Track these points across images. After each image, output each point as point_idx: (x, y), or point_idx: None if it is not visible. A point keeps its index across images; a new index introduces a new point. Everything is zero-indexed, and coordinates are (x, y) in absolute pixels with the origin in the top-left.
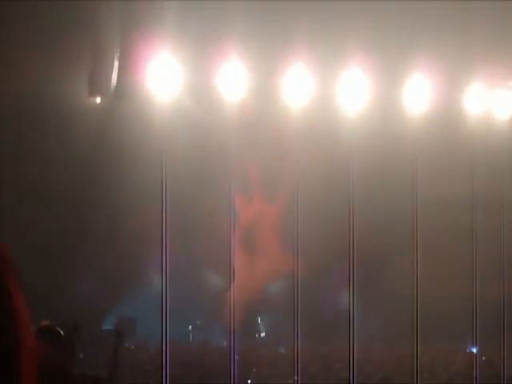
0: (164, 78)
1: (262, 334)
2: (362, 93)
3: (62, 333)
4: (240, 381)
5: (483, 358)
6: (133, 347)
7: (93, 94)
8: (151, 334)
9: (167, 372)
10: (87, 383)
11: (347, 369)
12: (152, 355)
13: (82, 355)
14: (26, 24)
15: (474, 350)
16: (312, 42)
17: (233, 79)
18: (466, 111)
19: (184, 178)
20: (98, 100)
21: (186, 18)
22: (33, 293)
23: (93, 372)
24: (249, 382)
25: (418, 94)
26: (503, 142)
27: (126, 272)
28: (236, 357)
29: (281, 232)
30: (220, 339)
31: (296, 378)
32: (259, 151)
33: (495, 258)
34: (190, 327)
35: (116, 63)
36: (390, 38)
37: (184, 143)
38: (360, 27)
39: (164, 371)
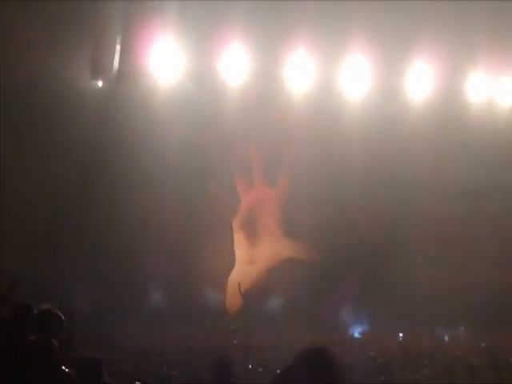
0: (166, 62)
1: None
2: (364, 79)
3: (62, 316)
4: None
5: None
6: None
7: (95, 77)
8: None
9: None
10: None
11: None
12: None
13: None
14: (28, 9)
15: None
16: (314, 27)
17: (235, 63)
18: (469, 98)
19: (186, 160)
20: (100, 83)
21: (189, 3)
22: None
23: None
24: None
25: (420, 80)
26: (506, 130)
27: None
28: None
29: (282, 216)
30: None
31: None
32: (261, 135)
33: (496, 243)
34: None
35: (118, 47)
36: (392, 25)
37: (186, 127)
38: (362, 14)
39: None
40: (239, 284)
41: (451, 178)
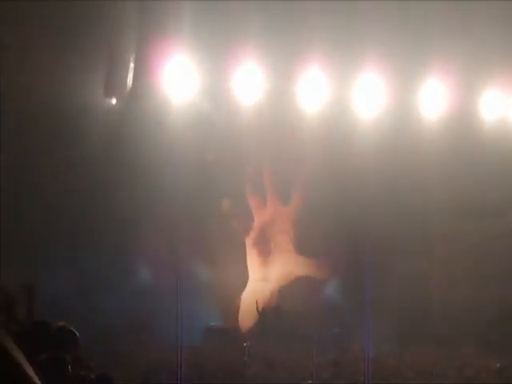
0: (180, 81)
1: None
2: (378, 97)
3: (77, 333)
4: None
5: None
6: None
7: (108, 95)
8: None
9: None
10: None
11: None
12: None
13: None
14: (43, 25)
15: None
16: (328, 46)
17: (248, 82)
18: (482, 116)
19: (199, 179)
20: (114, 101)
21: (203, 21)
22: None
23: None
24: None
25: (434, 98)
26: None
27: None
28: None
29: (295, 233)
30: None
31: (310, 382)
32: (274, 153)
33: (508, 261)
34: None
35: (132, 65)
36: (405, 43)
37: (199, 145)
38: (376, 32)
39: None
40: (257, 302)
41: (464, 196)
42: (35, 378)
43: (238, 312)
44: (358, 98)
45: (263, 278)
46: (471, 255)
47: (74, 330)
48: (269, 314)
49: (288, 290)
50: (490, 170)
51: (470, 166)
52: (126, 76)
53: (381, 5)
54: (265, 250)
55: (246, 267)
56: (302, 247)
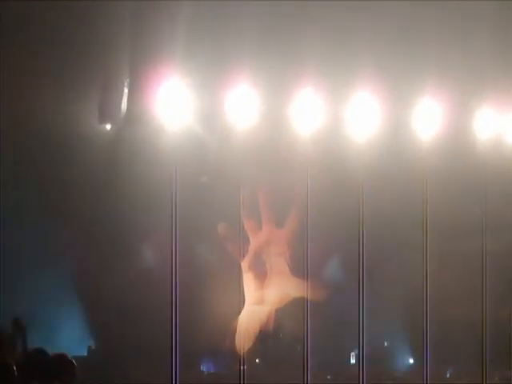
0: (174, 105)
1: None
2: (373, 118)
3: (74, 363)
4: None
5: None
6: None
7: (103, 120)
8: None
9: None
10: None
11: None
12: None
13: None
14: (36, 50)
15: None
16: (322, 66)
17: (243, 105)
18: (477, 136)
19: (194, 203)
20: (108, 127)
21: (196, 44)
22: None
23: None
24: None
25: (429, 118)
26: None
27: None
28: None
29: (291, 255)
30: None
31: None
32: (269, 176)
33: (506, 282)
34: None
35: (126, 90)
36: (400, 62)
37: (194, 169)
38: (370, 52)
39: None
40: (256, 325)
41: (459, 215)
42: None
43: (234, 336)
44: (353, 117)
45: (259, 300)
46: (470, 275)
47: (72, 361)
48: (266, 337)
49: (285, 313)
50: (484, 190)
51: (465, 185)
52: (120, 101)
53: (375, 22)
54: (260, 272)
55: (242, 290)
56: (298, 269)
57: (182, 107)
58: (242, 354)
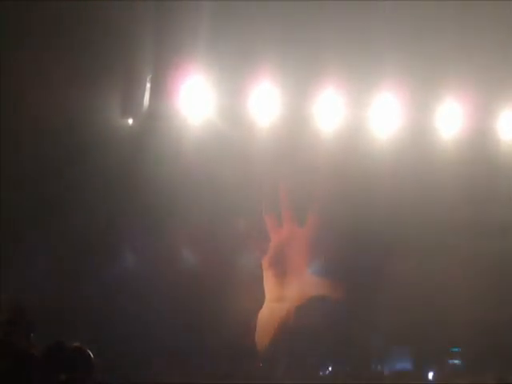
0: (197, 101)
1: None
2: (394, 117)
3: (91, 355)
4: None
5: None
6: None
7: (125, 115)
8: None
9: None
10: None
11: None
12: None
13: None
14: (58, 45)
15: None
16: (345, 66)
17: (265, 102)
18: (500, 137)
19: (215, 200)
20: (130, 121)
21: (220, 40)
22: None
23: None
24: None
25: (451, 119)
26: None
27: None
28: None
29: (312, 254)
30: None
31: None
32: (290, 173)
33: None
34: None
35: (148, 85)
36: (422, 63)
37: (215, 165)
38: (393, 53)
39: None
40: (276, 322)
41: (483, 216)
42: None
43: (254, 333)
44: (375, 118)
45: (279, 298)
46: (487, 276)
47: (88, 352)
48: (284, 334)
49: (304, 311)
50: (507, 192)
51: (487, 187)
52: (143, 96)
53: (399, 23)
54: (281, 270)
55: (262, 287)
56: (318, 268)
57: (205, 103)
58: (261, 351)
